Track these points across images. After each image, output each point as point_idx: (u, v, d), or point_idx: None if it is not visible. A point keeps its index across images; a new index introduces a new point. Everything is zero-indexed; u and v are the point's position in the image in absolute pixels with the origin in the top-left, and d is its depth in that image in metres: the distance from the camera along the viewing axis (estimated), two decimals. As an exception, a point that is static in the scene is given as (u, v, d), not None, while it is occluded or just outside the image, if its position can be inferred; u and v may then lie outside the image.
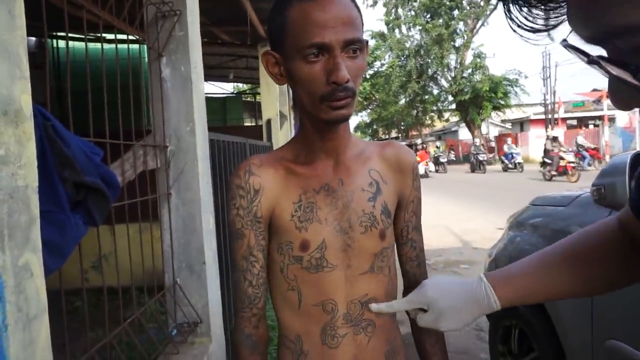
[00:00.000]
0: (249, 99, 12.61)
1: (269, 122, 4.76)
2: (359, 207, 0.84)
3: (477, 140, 22.04)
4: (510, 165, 19.17)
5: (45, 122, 1.01)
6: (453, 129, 36.06)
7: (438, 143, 24.29)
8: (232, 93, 13.51)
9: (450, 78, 27.19)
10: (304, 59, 0.74)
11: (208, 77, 10.74)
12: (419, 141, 26.21)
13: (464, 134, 32.35)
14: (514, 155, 19.56)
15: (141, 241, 1.88)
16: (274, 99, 4.78)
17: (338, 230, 0.83)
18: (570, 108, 27.01)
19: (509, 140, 21.67)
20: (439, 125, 37.49)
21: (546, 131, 24.59)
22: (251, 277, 0.85)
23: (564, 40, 0.39)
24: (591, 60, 0.37)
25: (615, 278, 0.73)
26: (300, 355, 0.86)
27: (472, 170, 20.46)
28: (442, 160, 22.23)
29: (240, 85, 16.61)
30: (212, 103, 10.11)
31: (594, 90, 31.37)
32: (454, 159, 29.96)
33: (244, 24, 4.08)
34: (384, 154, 0.90)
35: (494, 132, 31.73)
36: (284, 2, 0.77)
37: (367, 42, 0.79)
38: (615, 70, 0.35)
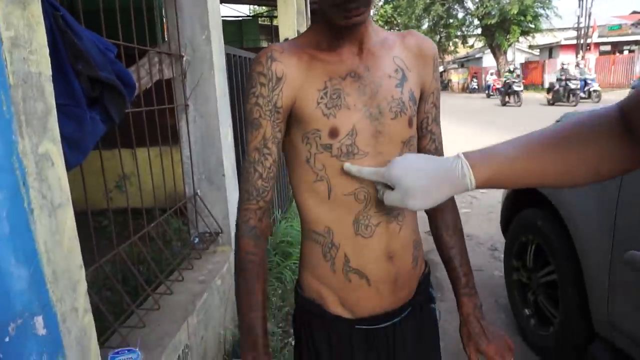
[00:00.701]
0: (265, 22, 12.15)
1: (286, 40, 4.59)
2: (388, 93, 0.81)
3: (509, 67, 18.57)
4: (582, 95, 14.97)
5: (54, 12, 0.96)
6: (477, 55, 34.50)
7: (511, 66, 19.30)
8: (249, 16, 13.03)
9: (477, 0, 25.51)
10: None
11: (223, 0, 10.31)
12: (440, 68, 25.09)
13: (487, 61, 30.98)
14: (589, 82, 15.08)
15: (162, 164, 1.89)
16: (292, 18, 4.57)
17: (368, 116, 0.80)
18: (605, 32, 25.35)
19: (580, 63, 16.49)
20: (462, 52, 35.86)
21: (576, 58, 23.35)
22: (262, 170, 0.81)
23: None
24: None
25: (604, 166, 0.66)
26: (332, 248, 0.83)
27: (503, 104, 16.94)
28: (516, 88, 16.29)
29: (256, 7, 15.93)
30: (229, 26, 9.79)
31: (634, 12, 29.18)
32: (476, 87, 28.96)
33: None
34: (406, 43, 0.88)
35: (519, 59, 30.26)
36: None
37: None
38: None
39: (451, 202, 0.94)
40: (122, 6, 1.37)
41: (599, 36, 24.79)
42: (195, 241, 1.91)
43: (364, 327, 0.86)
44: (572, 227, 1.80)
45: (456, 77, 32.91)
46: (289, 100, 0.80)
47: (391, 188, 0.74)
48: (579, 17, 24.03)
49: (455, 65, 37.75)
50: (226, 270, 1.90)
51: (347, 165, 0.79)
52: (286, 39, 4.57)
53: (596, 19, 24.24)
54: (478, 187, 0.68)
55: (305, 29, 4.98)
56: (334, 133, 0.79)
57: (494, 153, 0.69)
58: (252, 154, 0.81)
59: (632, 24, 25.14)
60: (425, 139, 0.93)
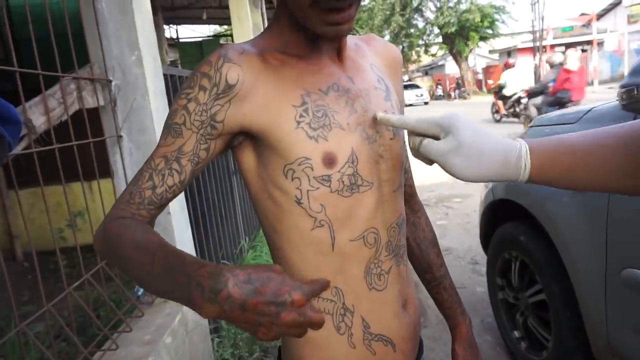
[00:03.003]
0: (228, 41, 12.02)
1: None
2: (380, 108, 0.66)
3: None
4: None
5: None
6: (440, 63, 35.24)
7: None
8: (209, 36, 12.85)
9: (435, 9, 26.10)
10: None
11: (182, 21, 10.11)
12: (405, 77, 25.67)
13: (450, 67, 31.65)
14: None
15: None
16: (247, 33, 4.38)
17: (365, 137, 0.63)
18: (558, 34, 26.32)
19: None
20: (425, 60, 36.56)
21: (534, 59, 24.06)
22: (158, 182, 0.60)
23: None
24: None
25: None
26: (346, 315, 0.63)
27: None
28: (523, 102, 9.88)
29: (217, 28, 15.82)
30: (189, 48, 9.59)
31: (582, 14, 30.51)
32: (441, 94, 29.48)
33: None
34: (375, 48, 0.75)
35: (481, 63, 31.04)
36: None
37: None
38: None
39: (425, 217, 0.87)
40: (38, 35, 1.17)
41: (554, 37, 25.68)
42: (139, 293, 1.66)
43: None
44: (559, 244, 1.64)
45: (422, 85, 33.45)
46: (239, 118, 0.59)
47: (436, 138, 0.58)
48: (533, 21, 24.87)
49: (420, 74, 38.48)
50: (179, 323, 1.65)
51: (380, 115, 0.62)
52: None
53: (549, 22, 25.13)
54: (532, 175, 0.56)
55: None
56: (330, 160, 0.60)
57: (555, 138, 0.58)
58: (157, 159, 0.61)
59: (583, 25, 26.19)
60: (407, 159, 0.83)
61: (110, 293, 1.61)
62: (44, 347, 1.21)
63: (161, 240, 0.54)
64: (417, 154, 0.60)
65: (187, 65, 8.91)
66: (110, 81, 1.62)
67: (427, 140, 0.58)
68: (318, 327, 0.45)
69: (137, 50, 1.63)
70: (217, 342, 2.12)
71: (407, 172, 0.83)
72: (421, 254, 0.84)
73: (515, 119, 10.69)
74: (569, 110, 1.90)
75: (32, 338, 1.12)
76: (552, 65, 7.47)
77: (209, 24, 11.71)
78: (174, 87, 2.09)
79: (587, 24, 24.99)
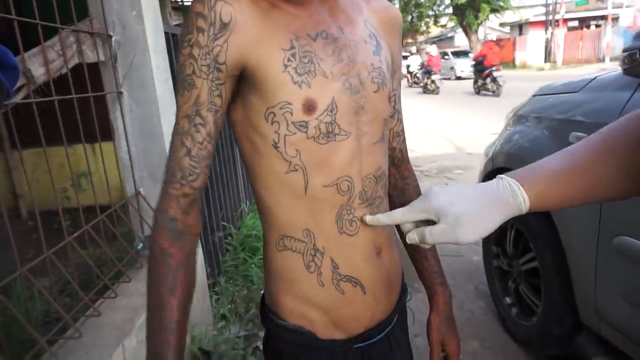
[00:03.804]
0: None
1: None
2: (367, 60, 0.67)
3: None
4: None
5: None
6: (449, 35, 34.52)
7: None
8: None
9: (447, -23, 25.36)
10: None
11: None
12: (413, 49, 24.86)
13: (460, 39, 31.03)
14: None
15: (117, 159, 1.68)
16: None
17: (348, 87, 0.64)
18: (572, 7, 25.60)
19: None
20: (434, 31, 35.78)
21: (546, 33, 23.53)
22: (191, 145, 0.61)
23: None
24: None
25: None
26: (315, 255, 0.66)
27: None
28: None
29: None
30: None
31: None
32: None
33: None
34: (374, 7, 0.74)
35: (491, 36, 30.38)
36: None
37: None
38: None
39: (415, 185, 0.87)
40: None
41: (567, 12, 25.01)
42: (140, 247, 1.69)
43: (361, 345, 0.71)
44: (554, 212, 1.65)
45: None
46: (236, 56, 0.59)
47: (431, 222, 0.58)
48: (547, -7, 24.16)
49: (428, 45, 37.69)
50: (177, 277, 1.69)
51: (369, 218, 0.65)
52: None
53: (564, -6, 24.38)
54: (532, 207, 0.56)
55: None
56: (309, 107, 0.61)
57: (538, 168, 0.58)
58: (181, 122, 0.61)
59: (598, -1, 25.42)
60: (394, 118, 0.80)
61: (112, 251, 1.65)
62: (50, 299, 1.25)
63: (170, 316, 0.61)
64: (424, 243, 0.59)
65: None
66: (111, 36, 1.61)
67: (427, 230, 0.57)
68: None
69: (137, 6, 1.61)
70: (215, 299, 2.18)
71: (398, 135, 0.83)
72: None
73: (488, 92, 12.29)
74: (574, 79, 1.88)
75: (38, 286, 1.16)
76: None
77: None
78: (175, 46, 2.07)
79: (603, -2, 24.27)
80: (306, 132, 0.61)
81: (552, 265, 1.71)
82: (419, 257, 0.83)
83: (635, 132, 0.56)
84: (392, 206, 0.82)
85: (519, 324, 2.01)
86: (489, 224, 0.56)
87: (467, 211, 0.55)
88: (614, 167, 0.56)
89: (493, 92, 12.20)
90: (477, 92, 13.20)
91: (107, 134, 1.69)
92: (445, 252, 3.06)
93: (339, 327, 0.69)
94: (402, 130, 0.84)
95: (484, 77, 12.59)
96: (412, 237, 0.60)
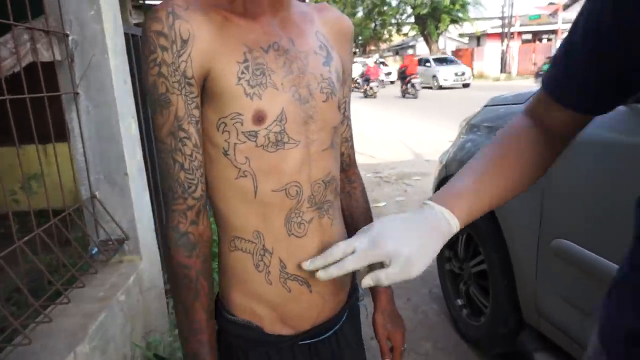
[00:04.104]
0: None
1: None
2: (317, 71, 0.70)
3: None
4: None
5: None
6: (411, 43, 35.34)
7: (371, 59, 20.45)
8: None
9: (409, -13, 26.01)
10: None
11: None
12: (376, 56, 25.43)
13: (421, 48, 31.82)
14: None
15: (72, 161, 1.63)
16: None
17: (297, 98, 0.68)
18: (526, 21, 26.85)
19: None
20: (396, 39, 36.56)
21: (501, 45, 24.55)
22: (182, 159, 0.64)
23: None
24: None
25: (539, 168, 0.71)
26: (264, 256, 0.70)
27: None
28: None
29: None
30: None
31: (550, 4, 31.16)
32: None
33: None
34: (324, 17, 0.78)
35: (451, 46, 31.37)
36: None
37: None
38: None
39: (362, 189, 0.91)
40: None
41: (521, 25, 26.22)
42: (94, 252, 1.66)
43: (308, 341, 0.75)
44: (500, 216, 1.76)
45: (393, 65, 33.54)
46: (200, 69, 0.62)
47: (381, 265, 0.62)
48: (503, 7, 25.26)
49: (391, 53, 38.49)
50: (133, 282, 1.67)
51: (323, 274, 0.64)
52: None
53: (518, 9, 25.57)
54: (461, 226, 0.64)
55: None
56: (259, 118, 0.64)
57: (458, 191, 0.67)
58: (165, 140, 0.64)
59: (550, 14, 26.80)
60: (343, 125, 0.84)
61: (65, 257, 1.60)
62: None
63: (199, 318, 0.68)
64: (379, 285, 0.63)
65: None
66: (67, 35, 1.58)
67: (382, 274, 0.61)
68: None
69: (96, 5, 1.59)
70: (172, 304, 2.15)
71: (347, 140, 0.87)
72: (352, 222, 0.87)
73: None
74: (523, 91, 2.01)
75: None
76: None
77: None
78: (135, 47, 2.05)
79: (554, 14, 25.60)
80: (255, 141, 0.65)
81: (498, 267, 1.81)
82: None
83: (519, 138, 0.69)
84: (342, 209, 0.85)
85: (470, 325, 2.11)
86: (433, 254, 0.63)
87: (414, 252, 0.61)
88: (511, 169, 0.68)
89: (413, 95, 15.51)
90: (403, 96, 16.16)
91: (62, 134, 1.65)
92: (402, 256, 3.14)
93: (286, 323, 0.73)
94: (351, 136, 0.88)
95: (406, 83, 15.81)
96: (368, 282, 0.63)
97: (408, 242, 0.61)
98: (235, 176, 0.67)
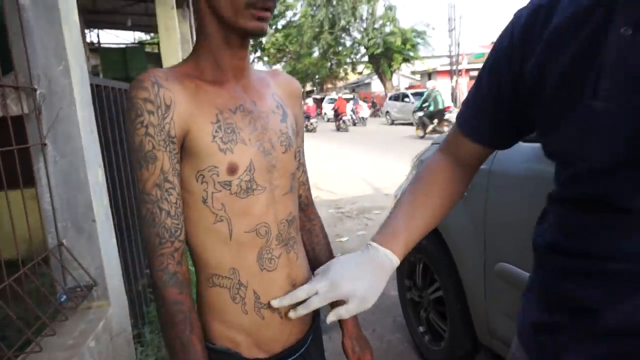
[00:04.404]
0: (154, 49, 11.67)
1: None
2: (276, 127, 0.83)
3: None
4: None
5: None
6: (366, 81, 36.68)
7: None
8: (134, 43, 12.41)
9: (362, 29, 27.25)
10: None
11: (104, 25, 9.67)
12: (333, 94, 26.44)
13: (376, 86, 33.06)
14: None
15: (25, 210, 1.65)
16: (175, 44, 4.40)
17: (262, 151, 0.79)
18: (472, 59, 28.59)
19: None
20: (352, 78, 37.86)
21: (451, 81, 25.93)
22: (169, 207, 0.73)
23: None
24: None
25: (455, 196, 0.87)
26: (240, 289, 0.79)
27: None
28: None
29: (142, 36, 15.30)
30: (112, 55, 9.18)
31: (493, 42, 33.28)
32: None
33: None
34: (278, 81, 0.92)
35: (404, 83, 32.81)
36: None
37: None
38: None
39: (320, 225, 1.02)
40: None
41: (468, 63, 27.88)
42: (62, 299, 1.67)
43: None
44: (450, 244, 1.91)
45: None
46: (181, 130, 0.73)
47: (339, 303, 0.77)
48: (450, 47, 26.86)
49: (347, 91, 39.69)
50: (102, 328, 1.68)
51: (293, 314, 0.79)
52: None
53: (464, 48, 27.25)
54: (399, 260, 0.80)
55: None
56: (232, 169, 0.75)
57: (394, 231, 0.82)
58: (152, 192, 0.72)
59: (493, 53, 28.60)
60: (299, 170, 0.97)
61: (34, 305, 1.60)
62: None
63: (196, 349, 0.74)
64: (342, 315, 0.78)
65: (109, 72, 8.48)
66: (35, 90, 1.64)
67: (343, 310, 0.76)
68: None
69: (64, 61, 1.67)
70: (140, 350, 2.14)
71: (303, 184, 0.99)
72: (315, 256, 0.98)
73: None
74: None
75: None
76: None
77: (133, 30, 11.34)
78: (99, 96, 2.12)
79: (496, 52, 27.36)
80: (230, 189, 0.76)
81: (453, 292, 1.95)
82: None
83: (437, 174, 0.86)
84: (303, 245, 0.96)
85: (431, 350, 2.21)
86: (381, 288, 0.78)
87: (367, 289, 0.76)
88: (433, 202, 0.84)
89: (344, 129, 18.71)
90: (337, 129, 19.21)
91: (13, 181, 1.62)
92: (366, 288, 3.24)
93: (261, 347, 0.82)
94: (307, 180, 1.00)
95: (338, 120, 19.27)
96: (332, 319, 0.77)
97: (361, 283, 0.75)
98: (213, 221, 0.77)
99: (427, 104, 13.15)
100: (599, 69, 0.60)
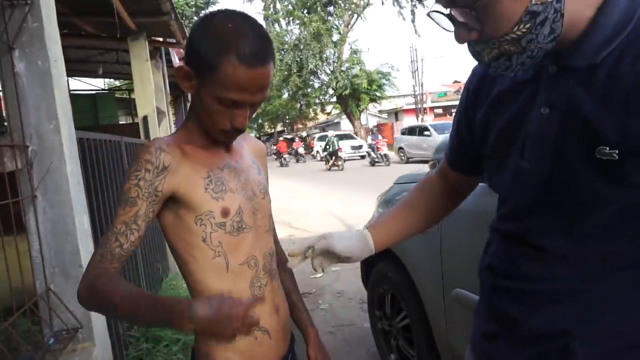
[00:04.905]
0: (124, 95, 11.77)
1: (145, 119, 4.55)
2: (255, 178, 1.03)
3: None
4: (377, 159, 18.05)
5: None
6: (336, 120, 37.57)
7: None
8: (104, 89, 12.49)
9: (329, 72, 28.21)
10: (219, 101, 0.88)
11: (75, 73, 9.77)
12: (304, 134, 27.55)
13: (345, 125, 33.91)
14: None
15: (5, 257, 1.73)
16: (149, 95, 4.59)
17: (247, 197, 0.98)
18: (435, 98, 29.91)
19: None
20: (321, 118, 38.74)
21: (417, 119, 26.94)
22: (124, 241, 0.86)
23: (432, 11, 0.73)
24: (449, 15, 0.71)
25: (439, 211, 1.08)
26: None
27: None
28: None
29: (112, 81, 15.42)
30: (81, 100, 9.18)
31: (455, 82, 35.07)
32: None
33: (110, 15, 3.84)
34: (249, 144, 1.14)
35: (372, 122, 33.81)
36: (224, 48, 0.84)
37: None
38: (461, 16, 0.70)
39: (286, 258, 1.18)
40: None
41: (432, 101, 29.15)
42: (50, 342, 1.75)
43: None
44: (413, 275, 2.10)
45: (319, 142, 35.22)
46: (170, 186, 0.89)
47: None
48: (414, 87, 28.09)
49: (317, 131, 40.43)
50: (88, 369, 1.77)
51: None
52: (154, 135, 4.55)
53: (428, 87, 28.54)
54: (377, 249, 1.01)
55: (165, 104, 4.96)
56: (225, 212, 0.93)
57: (380, 225, 1.04)
58: (118, 225, 0.87)
59: (455, 91, 30.13)
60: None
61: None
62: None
63: (140, 290, 0.84)
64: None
65: (79, 119, 8.49)
66: (28, 147, 1.79)
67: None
68: (256, 325, 0.83)
69: (55, 120, 1.83)
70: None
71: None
72: (284, 284, 1.14)
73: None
74: (424, 171, 2.46)
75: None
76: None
77: (104, 77, 11.46)
78: (82, 149, 2.27)
79: (458, 90, 28.85)
80: (224, 229, 0.93)
81: (418, 319, 2.12)
82: (294, 309, 1.16)
83: (426, 191, 1.07)
84: None
85: (402, 376, 2.35)
86: (364, 253, 0.99)
87: (351, 247, 0.98)
88: (414, 214, 1.06)
89: (286, 165, 22.85)
90: (280, 165, 23.11)
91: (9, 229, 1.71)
92: (340, 323, 3.38)
93: None
94: (274, 221, 1.17)
95: (280, 158, 23.82)
96: (317, 265, 1.00)
97: (347, 242, 0.98)
98: (212, 256, 0.93)
99: (328, 146, 19.11)
100: (525, 137, 0.77)
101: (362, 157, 22.21)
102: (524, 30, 0.67)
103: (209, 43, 0.86)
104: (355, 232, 1.01)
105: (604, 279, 0.73)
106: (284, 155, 23.84)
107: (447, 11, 0.72)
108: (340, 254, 0.96)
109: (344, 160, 18.57)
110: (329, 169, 18.40)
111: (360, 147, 23.39)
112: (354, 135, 26.48)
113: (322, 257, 0.98)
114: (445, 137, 1.94)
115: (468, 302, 1.73)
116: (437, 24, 0.73)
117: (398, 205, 1.08)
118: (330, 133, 20.69)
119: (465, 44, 0.74)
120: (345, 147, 21.34)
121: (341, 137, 23.85)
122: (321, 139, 25.12)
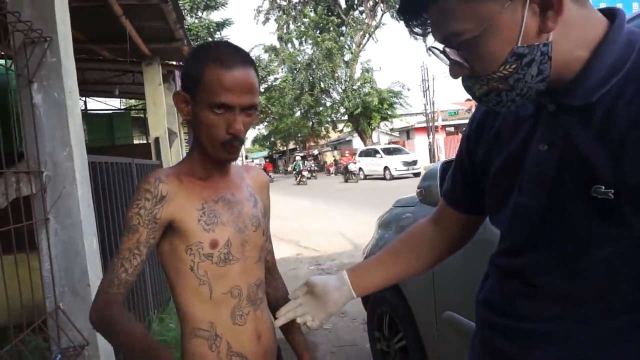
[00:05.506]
0: (139, 114, 12.03)
1: (157, 140, 4.71)
2: (249, 211, 1.07)
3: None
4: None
5: None
6: (347, 138, 37.80)
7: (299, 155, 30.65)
8: (119, 109, 12.79)
9: (341, 91, 28.51)
10: (211, 110, 0.95)
11: (92, 93, 10.06)
12: (315, 152, 28.17)
13: (357, 142, 34.07)
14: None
15: (18, 274, 1.83)
16: (161, 117, 4.76)
17: (237, 230, 1.02)
18: (447, 117, 29.92)
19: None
20: (333, 136, 38.99)
21: (428, 138, 26.98)
22: (129, 266, 0.94)
23: (430, 47, 0.77)
24: (442, 51, 0.74)
25: (433, 260, 1.06)
26: (216, 340, 0.99)
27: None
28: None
29: (128, 100, 15.80)
30: (98, 120, 9.36)
31: (467, 100, 35.10)
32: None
33: (125, 41, 4.04)
34: (251, 175, 1.17)
35: (384, 140, 33.92)
36: (203, 59, 0.95)
37: (257, 103, 1.03)
38: (451, 55, 0.73)
39: (282, 282, 1.25)
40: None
41: (443, 120, 29.18)
42: (58, 358, 1.84)
43: None
44: (407, 296, 2.15)
45: (331, 159, 35.44)
46: (168, 214, 0.97)
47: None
48: (425, 105, 28.19)
49: (329, 148, 40.66)
50: (93, 385, 1.85)
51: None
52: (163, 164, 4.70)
53: (439, 106, 28.64)
54: (357, 293, 1.03)
55: (177, 125, 5.14)
56: (214, 244, 0.98)
57: (364, 270, 1.05)
58: (123, 252, 0.95)
59: (467, 110, 30.15)
60: (267, 242, 1.18)
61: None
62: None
63: (140, 330, 0.90)
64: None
65: (95, 140, 8.69)
66: (42, 172, 1.91)
67: (308, 317, 1.04)
68: None
69: (68, 147, 1.95)
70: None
71: (269, 252, 1.21)
72: (278, 307, 1.12)
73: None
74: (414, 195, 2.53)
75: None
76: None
77: (120, 98, 11.79)
78: (93, 171, 2.39)
79: (470, 109, 28.86)
80: (211, 260, 1.00)
81: (413, 340, 2.16)
82: (288, 332, 1.20)
83: (415, 238, 1.06)
84: (269, 298, 1.18)
85: (400, 397, 2.38)
86: (339, 306, 1.02)
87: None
88: (401, 260, 1.04)
89: (304, 183, 23.94)
90: (298, 184, 24.38)
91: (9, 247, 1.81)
92: (342, 343, 3.42)
93: None
94: (272, 249, 1.24)
95: (300, 175, 24.87)
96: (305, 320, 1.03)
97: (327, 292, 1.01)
98: (197, 285, 1.00)
99: (296, 167, 25.45)
100: (524, 173, 0.77)
101: (416, 174, 18.95)
102: (510, 70, 0.69)
103: (193, 62, 0.98)
104: (333, 285, 1.03)
105: (601, 320, 0.71)
106: (303, 172, 24.78)
107: (442, 47, 0.75)
108: (317, 291, 1.01)
109: (393, 178, 19.38)
110: (298, 184, 24.10)
111: (414, 162, 20.16)
112: (406, 150, 23.57)
113: (306, 308, 1.03)
114: (434, 166, 2.01)
115: (458, 324, 1.78)
116: (437, 57, 0.77)
117: (390, 248, 1.07)
118: (298, 157, 28.76)
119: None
120: (395, 163, 20.27)
121: (389, 151, 22.32)
122: (366, 154, 23.41)
